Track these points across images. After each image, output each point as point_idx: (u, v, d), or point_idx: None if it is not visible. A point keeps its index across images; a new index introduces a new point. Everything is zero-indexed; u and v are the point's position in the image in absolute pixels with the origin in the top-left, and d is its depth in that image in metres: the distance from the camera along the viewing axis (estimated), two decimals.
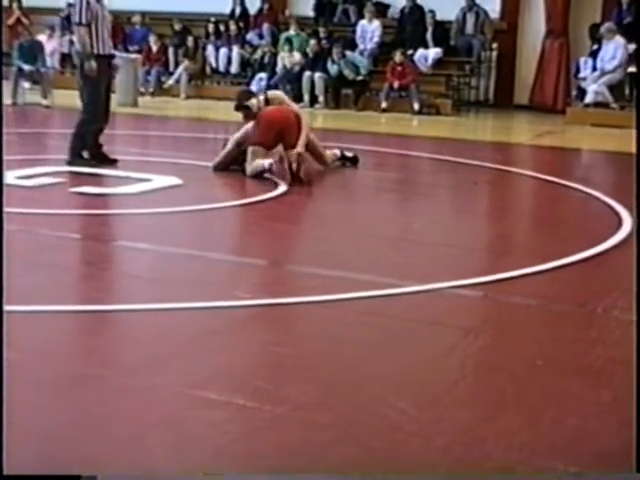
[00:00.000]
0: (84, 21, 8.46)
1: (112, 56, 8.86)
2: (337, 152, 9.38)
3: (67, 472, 2.85)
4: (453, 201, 8.62)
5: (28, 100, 14.58)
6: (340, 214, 7.85)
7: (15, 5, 18.20)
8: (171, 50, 17.06)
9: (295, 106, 8.99)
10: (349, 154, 9.38)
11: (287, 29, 16.59)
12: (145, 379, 3.75)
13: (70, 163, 8.69)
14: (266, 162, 8.25)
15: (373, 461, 3.12)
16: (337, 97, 15.58)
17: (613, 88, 14.09)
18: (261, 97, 9.02)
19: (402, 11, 16.30)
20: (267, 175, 8.23)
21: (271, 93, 9.35)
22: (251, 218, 7.40)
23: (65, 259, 5.63)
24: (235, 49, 16.76)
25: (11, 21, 17.38)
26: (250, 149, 8.46)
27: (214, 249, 6.04)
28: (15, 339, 3.69)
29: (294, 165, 8.20)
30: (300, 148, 8.42)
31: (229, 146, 8.80)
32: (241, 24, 17.15)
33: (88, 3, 8.44)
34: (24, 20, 17.75)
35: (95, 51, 8.52)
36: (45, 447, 3.13)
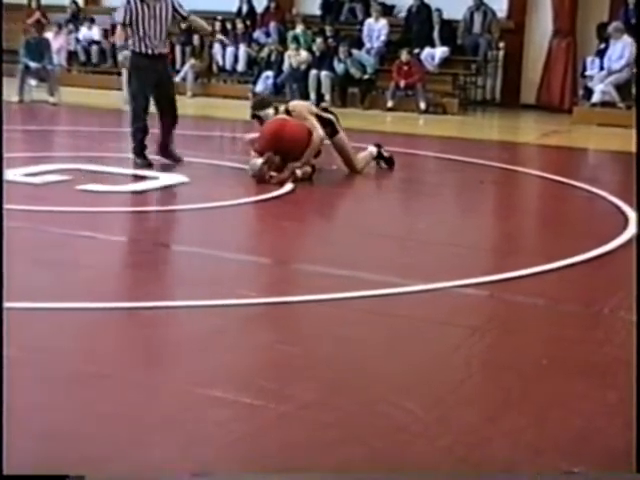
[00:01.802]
0: (120, 20, 8.68)
1: (159, 56, 8.71)
2: (374, 150, 9.14)
3: (68, 472, 2.84)
4: (459, 200, 8.61)
5: (35, 97, 14.60)
6: (346, 213, 7.86)
7: (34, 4, 18.21)
8: (178, 48, 17.06)
9: (311, 122, 8.44)
10: (386, 154, 9.18)
11: (294, 27, 16.59)
12: (150, 378, 3.76)
13: (136, 164, 8.76)
14: (258, 161, 8.15)
15: (378, 460, 3.12)
16: (343, 96, 15.57)
17: (620, 88, 14.06)
18: (282, 107, 8.71)
19: (409, 10, 16.29)
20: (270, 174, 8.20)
21: (293, 105, 8.90)
22: (257, 216, 7.41)
23: (70, 257, 5.63)
24: (242, 47, 16.77)
25: (31, 21, 17.38)
26: (252, 154, 8.43)
27: (220, 247, 6.04)
28: (18, 337, 3.70)
29: (294, 173, 8.15)
30: (299, 163, 8.22)
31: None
32: (248, 22, 17.16)
33: (128, 3, 8.57)
34: (43, 20, 17.77)
35: (137, 50, 8.65)
36: (46, 447, 3.12)
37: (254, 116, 8.87)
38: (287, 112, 8.61)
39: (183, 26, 17.13)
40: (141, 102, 8.77)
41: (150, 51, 8.64)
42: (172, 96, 8.88)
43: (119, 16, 8.73)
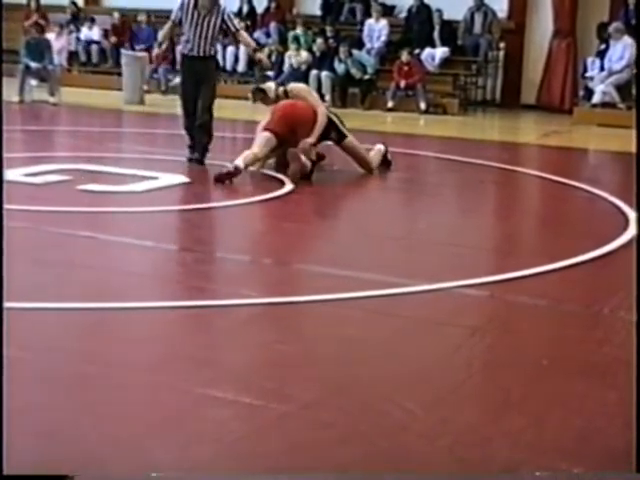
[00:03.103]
0: (172, 17, 9.18)
1: (198, 58, 8.96)
2: (382, 147, 9.22)
3: (68, 472, 2.84)
4: (460, 200, 8.61)
5: (35, 98, 14.59)
6: (347, 213, 7.86)
7: (33, 5, 18.17)
8: (179, 49, 17.02)
9: (313, 100, 8.83)
10: (389, 156, 9.22)
11: (294, 28, 16.58)
12: (151, 377, 3.75)
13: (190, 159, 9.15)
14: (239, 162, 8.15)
15: (378, 460, 3.12)
16: (344, 96, 15.56)
17: (621, 88, 14.06)
18: (281, 88, 9.03)
19: (409, 10, 16.29)
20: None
21: (291, 86, 9.24)
22: (258, 217, 7.40)
23: (70, 257, 5.63)
24: (242, 48, 16.74)
25: (29, 23, 17.34)
26: (262, 134, 8.47)
27: (220, 247, 6.04)
28: (19, 337, 3.70)
29: (301, 158, 8.18)
30: (313, 138, 8.39)
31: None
32: (248, 22, 17.13)
33: (182, 4, 9.00)
34: (41, 22, 17.71)
35: (181, 49, 9.42)
36: (46, 447, 3.12)
37: (257, 89, 9.12)
38: (285, 93, 8.90)
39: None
40: (185, 100, 9.16)
41: (189, 52, 9.02)
42: (206, 99, 9.02)
43: (173, 14, 9.18)
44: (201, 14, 8.88)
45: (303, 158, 8.15)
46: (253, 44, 9.85)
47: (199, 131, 9.07)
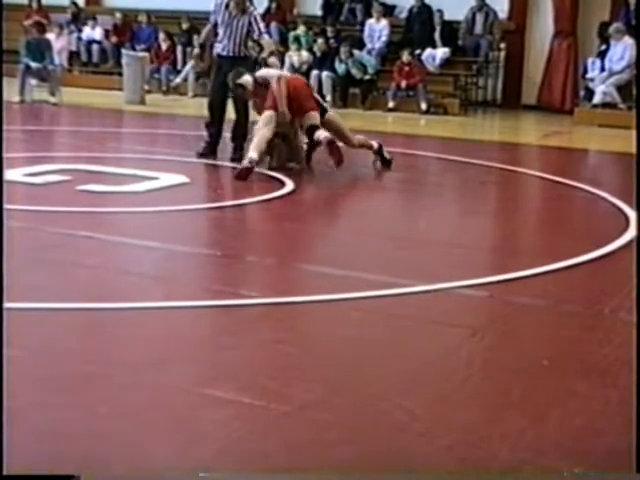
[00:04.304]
0: (210, 20, 9.54)
1: (228, 58, 9.19)
2: (375, 144, 9.27)
3: (68, 472, 2.84)
4: (460, 201, 8.60)
5: (36, 97, 14.59)
6: (346, 213, 7.85)
7: (35, 5, 18.15)
8: (179, 48, 17.03)
9: (272, 80, 8.79)
10: (387, 155, 9.25)
11: (295, 28, 16.58)
12: (151, 378, 3.75)
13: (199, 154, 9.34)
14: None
15: (378, 460, 3.12)
16: (344, 96, 15.56)
17: (621, 89, 14.06)
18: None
19: (410, 11, 16.29)
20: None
21: (258, 73, 9.11)
22: (258, 217, 7.40)
23: (71, 257, 5.63)
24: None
25: (29, 22, 17.30)
26: (266, 113, 8.58)
27: (221, 248, 6.03)
28: (19, 336, 3.71)
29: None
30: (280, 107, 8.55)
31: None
32: None
33: (215, 5, 9.34)
34: (43, 21, 17.66)
35: (215, 50, 9.59)
36: (46, 446, 3.12)
37: (235, 87, 9.05)
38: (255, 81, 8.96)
39: (184, 26, 17.23)
40: (213, 97, 9.40)
41: (221, 52, 9.30)
42: (241, 103, 9.20)
43: (210, 16, 9.55)
44: (232, 15, 9.12)
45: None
46: (273, 48, 9.96)
47: (235, 127, 9.25)
